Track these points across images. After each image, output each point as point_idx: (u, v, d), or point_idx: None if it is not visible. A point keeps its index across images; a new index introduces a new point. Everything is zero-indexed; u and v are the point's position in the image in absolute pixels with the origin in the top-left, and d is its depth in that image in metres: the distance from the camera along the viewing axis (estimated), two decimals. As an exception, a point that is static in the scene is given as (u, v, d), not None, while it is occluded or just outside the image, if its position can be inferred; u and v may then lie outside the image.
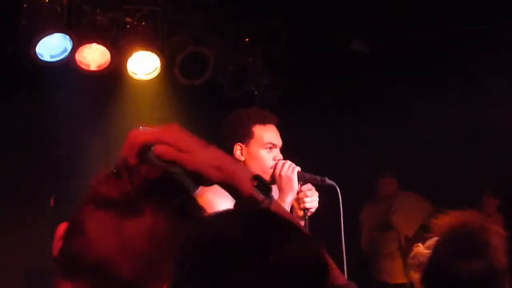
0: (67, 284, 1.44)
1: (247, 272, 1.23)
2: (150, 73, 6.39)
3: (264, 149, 3.70)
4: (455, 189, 6.83)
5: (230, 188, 1.51)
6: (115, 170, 1.47)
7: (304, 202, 3.62)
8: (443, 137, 7.15)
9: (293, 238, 1.30)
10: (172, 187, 1.51)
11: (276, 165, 3.67)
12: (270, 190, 1.54)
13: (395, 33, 7.10)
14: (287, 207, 3.59)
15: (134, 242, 1.43)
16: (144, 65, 6.36)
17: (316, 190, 3.70)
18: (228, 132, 3.76)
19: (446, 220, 2.14)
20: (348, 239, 3.68)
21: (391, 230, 7.52)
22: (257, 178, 1.53)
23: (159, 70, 6.34)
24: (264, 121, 3.73)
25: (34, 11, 5.82)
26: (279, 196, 3.61)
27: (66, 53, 5.94)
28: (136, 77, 6.38)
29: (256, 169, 3.69)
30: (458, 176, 6.95)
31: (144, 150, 1.46)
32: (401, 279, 6.99)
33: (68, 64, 6.01)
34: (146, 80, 6.43)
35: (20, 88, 6.21)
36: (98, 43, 6.04)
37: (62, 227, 1.51)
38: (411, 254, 3.09)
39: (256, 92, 6.97)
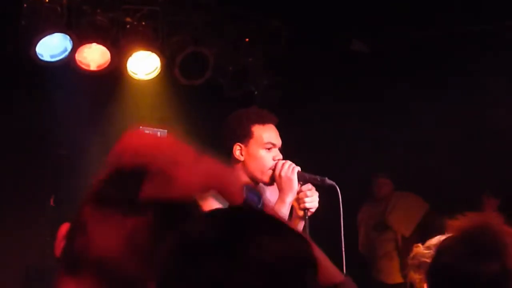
0: (71, 282, 1.45)
1: (225, 269, 1.23)
2: (150, 73, 6.39)
3: (264, 149, 3.70)
4: (455, 189, 6.83)
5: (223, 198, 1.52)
6: (114, 172, 1.47)
7: (304, 202, 3.63)
8: (443, 137, 7.15)
9: (273, 233, 1.30)
10: None
11: (276, 165, 3.67)
12: (260, 197, 1.55)
13: (395, 33, 7.10)
14: (287, 207, 3.59)
15: (137, 240, 1.44)
16: (144, 65, 6.36)
17: (316, 190, 3.70)
18: (227, 132, 3.76)
19: (461, 221, 2.13)
20: (348, 239, 3.68)
21: (388, 230, 7.52)
22: (248, 187, 1.55)
23: (159, 70, 6.35)
24: (263, 121, 3.73)
25: (34, 11, 5.82)
26: (279, 196, 3.62)
27: (66, 53, 5.94)
28: (136, 77, 6.38)
29: (255, 169, 3.69)
30: (458, 176, 6.95)
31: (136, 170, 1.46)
32: (398, 279, 7.00)
33: (68, 64, 6.01)
34: (146, 80, 6.43)
35: (20, 88, 6.21)
36: (98, 43, 6.05)
37: (64, 228, 1.52)
38: (411, 255, 3.09)
39: (256, 92, 6.97)
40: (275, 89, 6.98)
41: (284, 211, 3.53)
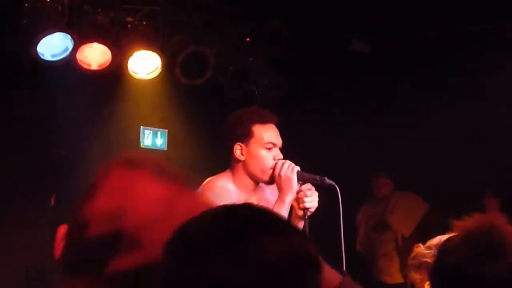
0: (78, 282, 1.46)
1: (225, 269, 1.23)
2: (151, 73, 6.39)
3: (264, 148, 3.70)
4: (455, 189, 6.84)
5: None
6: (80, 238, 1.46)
7: (303, 202, 3.63)
8: (443, 137, 7.15)
9: (275, 232, 1.30)
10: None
11: (275, 165, 3.67)
12: None
13: (395, 33, 7.11)
14: (286, 206, 3.60)
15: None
16: (145, 64, 6.36)
17: (316, 189, 3.71)
18: (228, 132, 3.76)
19: (468, 221, 2.13)
20: (347, 239, 3.68)
21: (388, 230, 7.52)
22: None
23: (160, 70, 6.35)
24: (264, 121, 3.73)
25: (35, 10, 5.82)
26: (279, 196, 3.63)
27: (67, 53, 5.94)
28: (137, 76, 6.38)
29: (255, 169, 3.70)
30: (459, 176, 6.95)
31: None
32: (399, 279, 7.01)
33: (69, 63, 6.01)
34: (147, 80, 6.43)
35: (21, 87, 6.21)
36: (99, 42, 6.05)
37: (62, 229, 1.52)
38: (412, 255, 3.09)
39: (256, 92, 6.98)
40: (276, 89, 6.98)
41: (283, 211, 3.53)
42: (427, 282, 2.88)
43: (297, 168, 3.66)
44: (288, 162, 3.67)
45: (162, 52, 6.29)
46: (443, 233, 2.59)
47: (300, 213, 3.64)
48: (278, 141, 3.74)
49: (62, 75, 6.13)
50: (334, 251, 3.10)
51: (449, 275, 2.04)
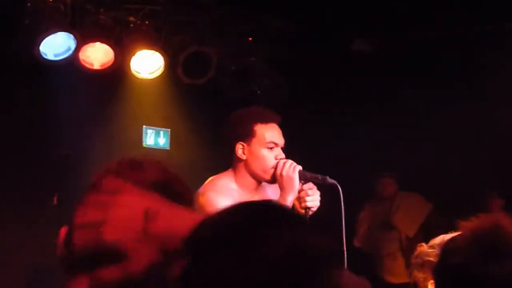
0: (85, 279, 1.47)
1: (233, 264, 1.24)
2: (153, 72, 6.40)
3: (266, 148, 3.70)
4: (455, 189, 6.85)
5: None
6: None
7: (305, 201, 3.63)
8: (443, 137, 7.16)
9: (285, 228, 1.30)
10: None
11: (277, 164, 3.68)
12: None
13: (395, 33, 7.11)
14: (288, 206, 3.60)
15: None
16: (147, 64, 6.37)
17: (318, 189, 3.71)
18: (230, 131, 3.76)
19: (473, 221, 2.13)
20: (349, 238, 3.69)
21: (392, 230, 7.53)
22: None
23: (162, 69, 6.36)
24: (266, 120, 3.73)
25: (37, 10, 5.83)
26: (280, 195, 3.63)
27: (70, 52, 5.95)
28: (139, 76, 6.39)
29: (257, 168, 3.71)
30: (459, 176, 6.96)
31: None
32: (403, 279, 7.00)
33: (72, 63, 6.02)
34: (149, 79, 6.44)
35: (23, 87, 6.22)
36: (101, 42, 6.06)
37: (63, 231, 1.53)
38: (415, 254, 3.09)
39: (259, 92, 6.98)
40: (278, 89, 6.99)
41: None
42: (431, 281, 2.89)
43: (299, 167, 3.66)
44: (289, 162, 3.67)
45: (164, 51, 6.30)
46: (446, 232, 2.59)
47: (302, 212, 3.65)
48: (280, 140, 3.74)
49: (65, 75, 6.14)
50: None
51: (453, 274, 2.04)
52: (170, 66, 6.39)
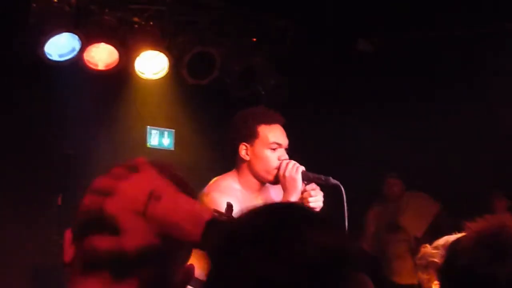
0: (91, 279, 1.49)
1: (265, 265, 1.24)
2: (157, 73, 6.41)
3: (269, 149, 3.70)
4: (455, 189, 6.85)
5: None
6: None
7: (308, 202, 3.64)
8: (443, 137, 7.17)
9: (316, 228, 1.31)
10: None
11: (280, 165, 3.68)
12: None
13: (395, 33, 7.12)
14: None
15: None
16: (151, 64, 6.38)
17: (322, 189, 3.72)
18: (233, 132, 3.77)
19: (479, 222, 2.13)
20: (351, 238, 3.68)
21: (400, 231, 7.53)
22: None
23: (167, 70, 6.37)
24: (269, 121, 3.74)
25: (42, 10, 5.84)
26: (283, 196, 3.63)
27: (75, 53, 5.96)
28: (143, 76, 6.40)
29: (260, 169, 3.71)
30: (460, 176, 6.96)
31: None
32: (411, 280, 6.99)
33: (76, 63, 6.03)
34: (154, 80, 6.45)
35: (28, 87, 6.23)
36: (106, 42, 6.07)
37: (68, 233, 1.55)
38: (419, 255, 3.10)
39: (263, 92, 6.98)
40: (282, 89, 6.99)
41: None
42: (435, 282, 2.89)
43: (302, 168, 3.66)
44: (292, 162, 3.67)
45: (168, 52, 6.31)
46: (454, 233, 2.59)
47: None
48: (284, 141, 3.75)
49: (69, 75, 6.14)
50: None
51: (459, 275, 2.04)
52: (175, 66, 6.40)
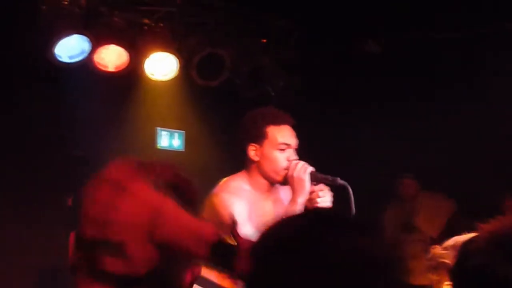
0: (97, 286, 1.50)
1: (298, 268, 1.26)
2: (167, 74, 6.42)
3: (277, 149, 3.70)
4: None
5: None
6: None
7: (316, 203, 3.64)
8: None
9: (345, 232, 1.32)
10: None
11: (289, 165, 3.68)
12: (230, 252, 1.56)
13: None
14: (299, 207, 3.60)
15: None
16: (161, 66, 6.39)
17: (331, 190, 3.71)
18: (242, 133, 3.76)
19: (493, 223, 2.13)
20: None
21: (415, 231, 7.52)
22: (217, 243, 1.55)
23: (177, 71, 6.38)
24: (278, 122, 3.73)
25: (52, 12, 5.86)
26: (292, 197, 3.63)
27: (85, 54, 5.98)
28: (153, 78, 6.41)
29: (269, 170, 3.71)
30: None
31: None
32: (425, 280, 6.96)
33: (86, 65, 6.04)
34: (164, 81, 6.46)
35: (38, 89, 6.25)
36: (116, 44, 6.08)
37: (73, 236, 1.56)
38: (429, 256, 3.09)
39: (272, 93, 6.98)
40: (292, 90, 6.99)
41: (296, 212, 3.53)
42: (445, 283, 2.88)
43: (311, 168, 3.66)
44: (301, 163, 3.67)
45: (178, 53, 6.32)
46: (463, 233, 2.59)
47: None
48: (293, 142, 3.74)
49: (79, 77, 6.16)
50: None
51: (473, 276, 2.03)
52: (184, 68, 6.40)
